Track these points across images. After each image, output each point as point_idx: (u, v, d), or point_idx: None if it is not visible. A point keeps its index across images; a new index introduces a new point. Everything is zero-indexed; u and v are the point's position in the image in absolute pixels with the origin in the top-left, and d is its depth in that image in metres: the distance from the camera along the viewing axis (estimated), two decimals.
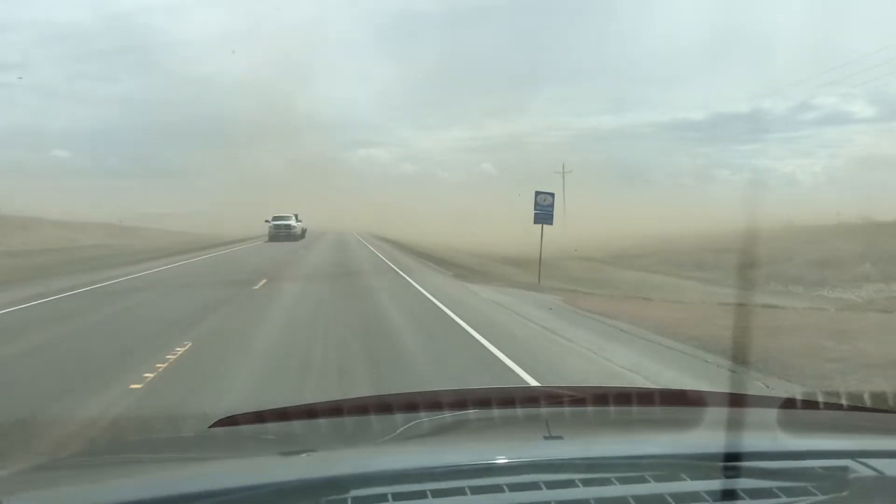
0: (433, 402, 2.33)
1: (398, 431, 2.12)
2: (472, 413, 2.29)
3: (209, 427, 2.22)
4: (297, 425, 2.25)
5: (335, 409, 2.27)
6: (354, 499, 1.52)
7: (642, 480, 1.65)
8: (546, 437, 2.18)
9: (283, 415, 2.26)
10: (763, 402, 2.70)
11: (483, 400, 2.40)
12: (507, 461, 1.80)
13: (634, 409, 2.40)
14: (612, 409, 2.38)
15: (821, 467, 1.72)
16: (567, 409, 2.37)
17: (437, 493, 1.54)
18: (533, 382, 7.72)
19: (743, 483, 1.63)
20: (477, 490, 1.57)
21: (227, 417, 2.27)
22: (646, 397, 2.51)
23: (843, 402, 2.42)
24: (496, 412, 2.30)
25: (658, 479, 1.65)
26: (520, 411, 2.34)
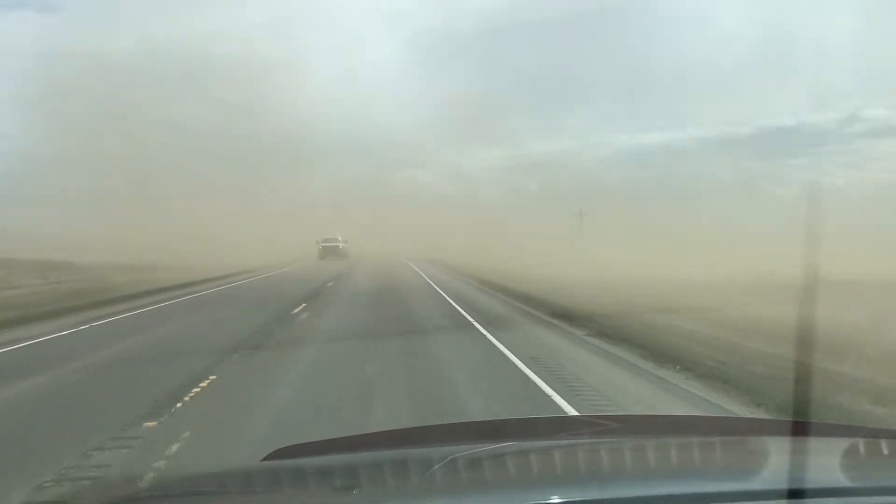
0: (481, 433, 2.30)
1: (442, 464, 2.11)
2: (522, 445, 2.25)
3: (262, 460, 2.25)
4: (346, 458, 2.25)
5: (383, 441, 2.27)
6: None
7: None
8: (597, 473, 2.12)
9: (335, 447, 2.27)
10: (824, 430, 2.61)
11: (528, 430, 2.36)
12: (559, 501, 1.76)
13: (693, 440, 2.33)
14: (670, 441, 2.31)
15: None
16: (615, 441, 2.31)
17: None
18: None
19: None
20: None
21: (280, 450, 2.29)
22: (705, 428, 2.43)
23: None
24: (543, 444, 2.27)
25: None
26: (578, 445, 2.29)
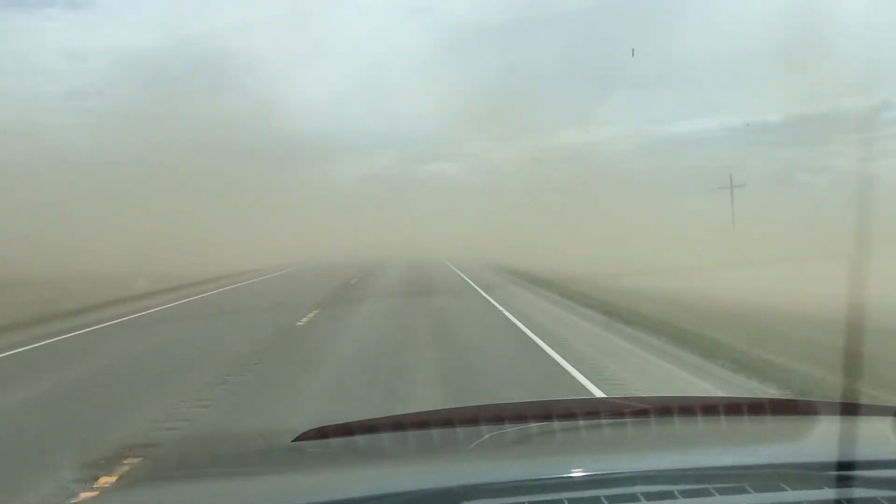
0: (519, 413, 2.29)
1: (477, 443, 2.09)
2: (579, 423, 2.25)
3: (293, 441, 2.23)
4: (380, 438, 2.25)
5: (413, 422, 2.27)
6: None
7: (742, 491, 1.58)
8: (648, 448, 2.11)
9: (365, 427, 2.26)
10: (877, 410, 2.55)
11: (594, 410, 2.35)
12: (605, 473, 1.76)
13: (744, 419, 2.32)
14: (721, 419, 2.29)
15: None
16: (673, 419, 2.29)
17: None
18: None
19: (857, 493, 1.55)
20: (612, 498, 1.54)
21: (312, 430, 2.28)
22: (755, 407, 2.42)
23: None
24: (604, 422, 2.26)
25: (759, 489, 1.58)
26: (628, 420, 2.29)
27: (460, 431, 2.21)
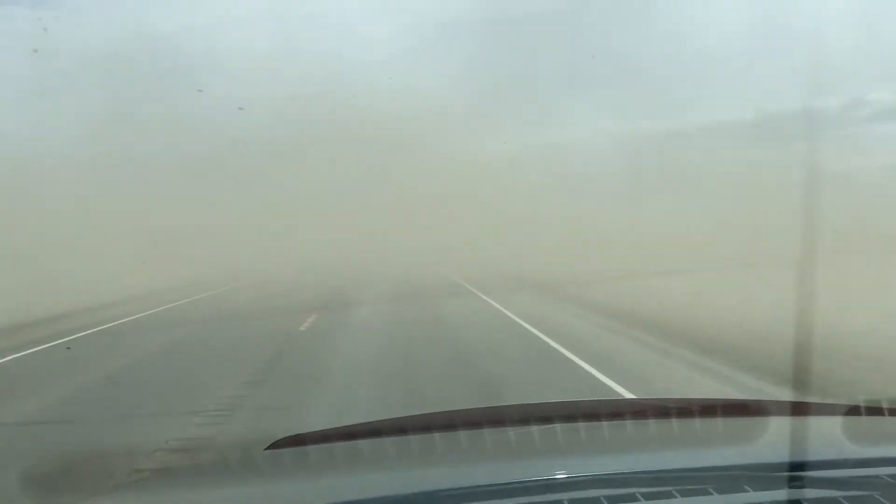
0: (494, 418, 2.32)
1: (464, 445, 2.12)
2: (535, 429, 2.28)
3: (266, 448, 2.24)
4: (357, 445, 2.25)
5: (393, 429, 2.27)
6: None
7: (705, 493, 1.64)
8: (606, 451, 2.16)
9: (340, 434, 2.27)
10: (827, 409, 2.65)
11: (546, 415, 2.39)
12: (566, 476, 1.79)
13: (697, 421, 2.38)
14: (673, 421, 2.36)
15: (888, 475, 1.69)
16: (627, 423, 2.35)
17: None
18: None
19: (809, 493, 1.61)
20: None
21: (287, 437, 2.28)
22: (708, 409, 2.48)
23: None
24: (558, 427, 2.29)
25: (721, 490, 1.63)
26: (581, 426, 2.32)
27: (442, 437, 2.21)
